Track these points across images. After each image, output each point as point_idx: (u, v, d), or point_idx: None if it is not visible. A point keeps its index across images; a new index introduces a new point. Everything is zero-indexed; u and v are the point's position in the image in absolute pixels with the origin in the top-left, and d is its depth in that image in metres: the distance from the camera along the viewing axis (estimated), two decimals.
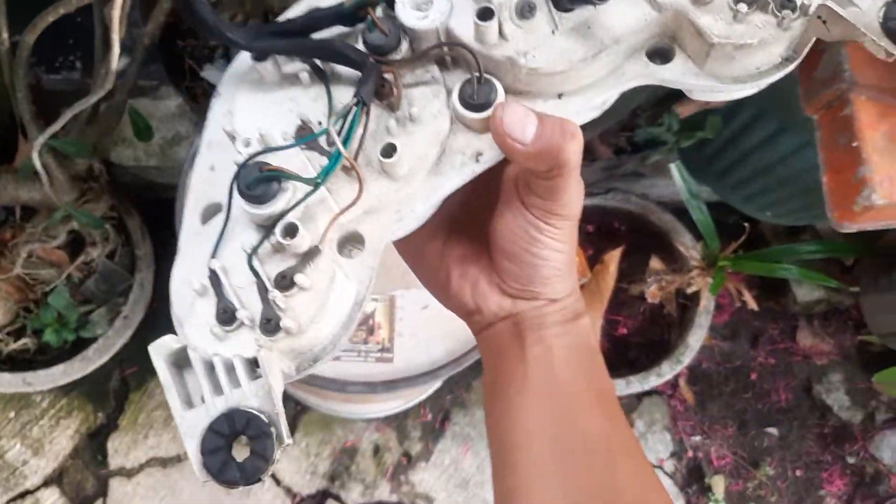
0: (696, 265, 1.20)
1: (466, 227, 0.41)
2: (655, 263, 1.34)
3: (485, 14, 0.32)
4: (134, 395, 1.37)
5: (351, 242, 0.34)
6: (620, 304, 1.39)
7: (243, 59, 0.36)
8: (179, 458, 1.34)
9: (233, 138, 0.33)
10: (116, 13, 0.78)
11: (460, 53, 0.33)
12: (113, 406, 1.36)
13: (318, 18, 0.35)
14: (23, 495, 1.29)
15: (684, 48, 0.35)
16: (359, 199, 0.32)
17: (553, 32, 0.33)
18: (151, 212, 1.22)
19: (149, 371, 1.36)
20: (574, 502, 0.34)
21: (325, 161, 0.33)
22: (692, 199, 1.13)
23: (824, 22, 0.33)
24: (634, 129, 1.17)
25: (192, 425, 0.30)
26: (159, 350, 0.31)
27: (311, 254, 0.32)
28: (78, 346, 1.17)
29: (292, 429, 1.39)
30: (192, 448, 0.30)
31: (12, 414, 1.33)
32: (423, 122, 0.33)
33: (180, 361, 0.32)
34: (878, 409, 1.55)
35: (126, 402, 1.36)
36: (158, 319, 1.35)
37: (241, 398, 0.30)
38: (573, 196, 0.34)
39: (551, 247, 0.36)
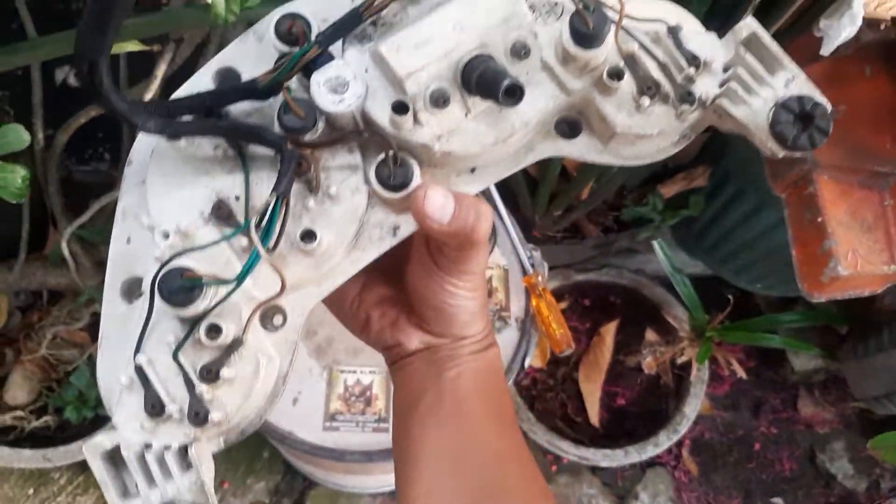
0: (686, 336, 1.24)
1: (381, 273, 0.42)
2: (650, 335, 1.39)
3: (399, 108, 0.32)
4: None
5: (272, 314, 0.35)
6: (618, 376, 1.43)
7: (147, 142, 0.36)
8: None
9: (151, 229, 0.33)
10: None
11: (376, 138, 0.34)
12: None
13: (228, 93, 0.34)
14: None
15: (590, 125, 0.36)
16: (281, 294, 0.32)
17: (466, 116, 0.33)
18: None
19: None
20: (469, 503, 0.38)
21: (244, 243, 0.33)
22: (675, 273, 1.19)
23: (719, 116, 0.36)
24: (621, 209, 1.23)
25: None
26: (94, 450, 0.32)
27: (234, 345, 0.33)
28: (96, 424, 1.22)
29: (300, 503, 1.41)
30: None
31: (31, 491, 1.36)
32: (342, 200, 0.34)
33: (116, 457, 0.33)
34: (882, 476, 1.55)
35: None
36: None
37: (174, 491, 0.32)
38: (481, 259, 0.38)
39: (465, 297, 0.39)
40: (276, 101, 0.33)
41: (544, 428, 1.30)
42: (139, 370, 0.32)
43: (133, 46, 0.75)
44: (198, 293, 0.32)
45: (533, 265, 0.96)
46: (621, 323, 1.42)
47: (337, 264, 0.35)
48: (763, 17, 0.76)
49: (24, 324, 1.23)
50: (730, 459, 1.56)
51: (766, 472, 1.56)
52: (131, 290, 0.35)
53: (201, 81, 0.36)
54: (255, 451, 1.43)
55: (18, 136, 0.93)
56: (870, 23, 0.75)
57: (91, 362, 1.21)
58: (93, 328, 1.23)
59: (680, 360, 1.28)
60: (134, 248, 0.35)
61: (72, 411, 1.19)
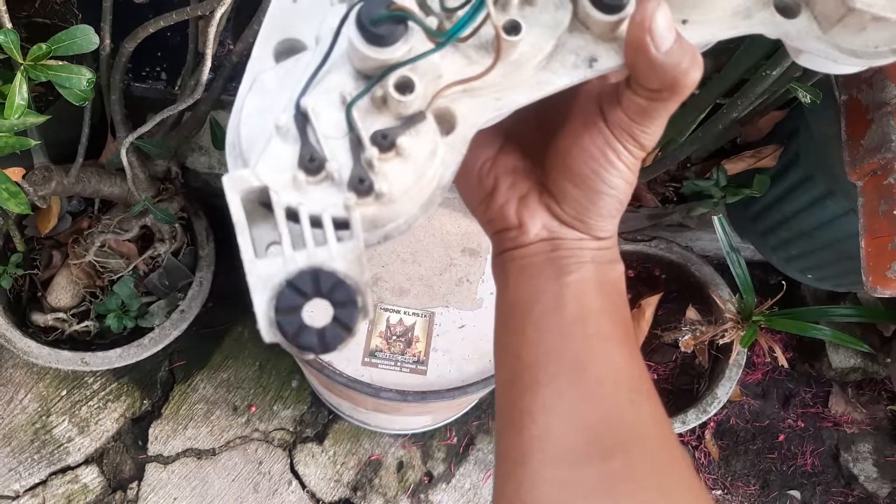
0: (731, 318, 1.22)
1: (524, 139, 0.38)
2: (692, 313, 1.37)
3: None
4: (179, 386, 1.43)
5: (441, 121, 0.30)
6: (653, 351, 1.41)
7: None
8: (214, 452, 1.40)
9: None
10: (213, 29, 0.86)
11: None
12: (159, 395, 1.43)
13: None
14: (63, 470, 1.36)
15: (812, 8, 0.32)
16: (491, 68, 0.29)
17: None
18: (218, 217, 1.30)
19: (195, 365, 1.44)
20: (594, 435, 0.33)
21: (431, 24, 0.29)
22: (732, 252, 1.16)
23: None
24: (682, 181, 1.20)
25: (264, 276, 0.26)
26: (235, 184, 0.27)
27: (414, 119, 0.28)
28: (134, 334, 1.24)
29: (322, 436, 1.44)
30: (263, 302, 0.26)
31: (64, 392, 1.40)
32: (544, 9, 0.30)
33: (252, 205, 0.28)
34: None
35: (171, 393, 1.43)
36: (211, 319, 1.43)
37: (325, 258, 0.26)
38: (660, 127, 0.33)
39: (622, 175, 0.33)
40: None
41: None
42: (300, 115, 0.27)
43: None
44: (401, 32, 0.27)
45: None
46: (663, 298, 1.40)
47: (522, 80, 0.30)
48: None
49: (73, 229, 1.25)
50: (752, 447, 1.55)
51: (786, 465, 1.54)
52: (286, 52, 0.30)
53: None
54: (285, 378, 1.45)
55: (88, 37, 0.93)
56: None
57: (135, 273, 1.22)
58: (140, 241, 1.24)
59: (721, 342, 1.26)
60: (299, 8, 0.30)
61: (113, 319, 1.21)
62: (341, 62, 0.28)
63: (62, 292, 1.22)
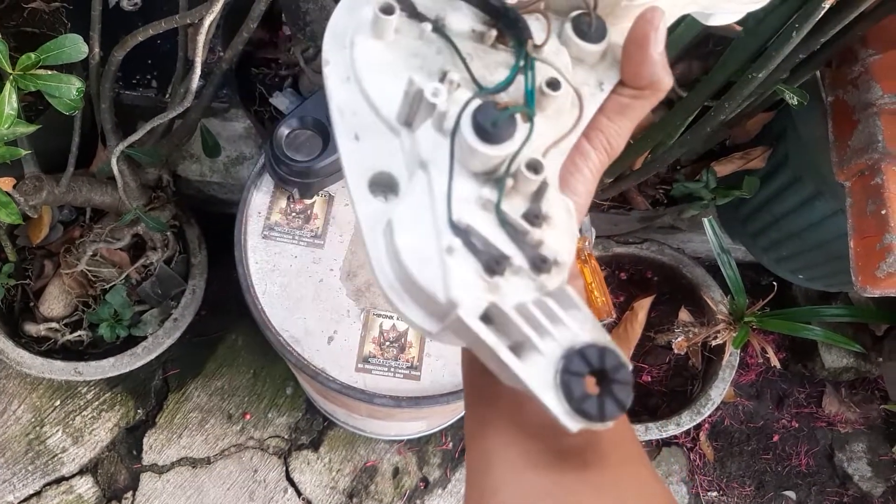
0: (723, 319, 1.22)
1: None
2: (685, 315, 1.37)
3: None
4: (173, 395, 1.43)
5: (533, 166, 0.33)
6: (646, 353, 1.42)
7: (341, 22, 0.34)
8: (209, 461, 1.40)
9: (419, 91, 0.31)
10: (202, 38, 0.86)
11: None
12: (153, 404, 1.42)
13: None
14: (58, 481, 1.36)
15: None
16: (579, 122, 0.32)
17: None
18: (210, 224, 1.30)
19: (189, 374, 1.44)
20: (552, 440, 0.34)
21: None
22: (723, 253, 1.16)
23: None
24: (672, 183, 1.21)
25: (540, 376, 0.28)
26: (472, 312, 0.29)
27: (542, 187, 0.31)
28: (128, 343, 1.24)
29: (318, 443, 1.44)
30: (551, 397, 0.28)
31: (58, 402, 1.40)
32: (550, 57, 0.34)
33: (484, 320, 0.30)
34: None
35: (165, 402, 1.43)
36: (205, 327, 1.42)
37: (572, 335, 0.29)
38: (630, 129, 0.35)
39: (586, 181, 0.35)
40: None
41: None
42: (462, 232, 0.30)
43: None
44: (513, 123, 0.30)
45: (581, 229, 0.94)
46: (656, 300, 1.40)
47: (565, 124, 0.33)
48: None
49: (65, 238, 1.24)
50: (747, 448, 1.55)
51: (781, 465, 1.55)
52: (376, 185, 0.32)
53: None
54: (279, 386, 1.45)
55: (77, 46, 0.93)
56: None
57: (127, 282, 1.22)
58: (133, 250, 1.24)
59: (713, 344, 1.27)
60: (366, 145, 0.33)
61: (106, 328, 1.21)
62: (457, 173, 0.31)
63: (54, 302, 1.22)
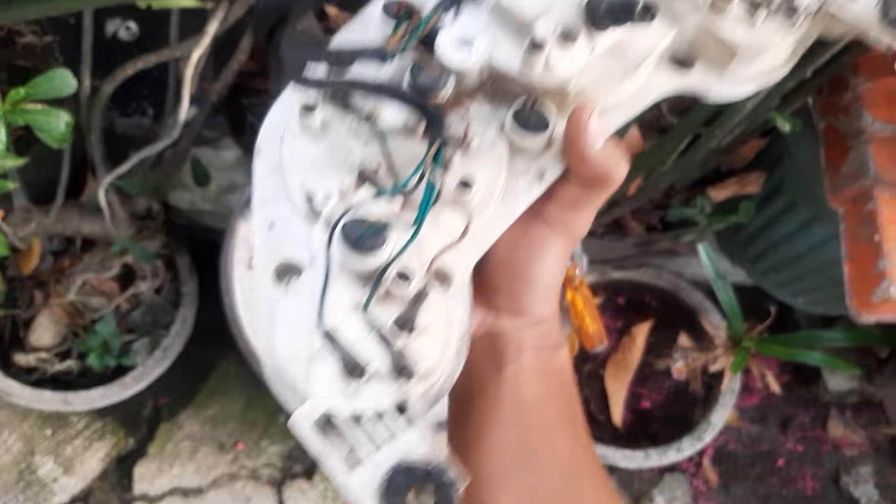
0: (721, 344, 1.21)
1: None
2: (684, 340, 1.35)
3: (535, 46, 0.33)
4: (164, 424, 1.42)
5: (440, 280, 0.34)
6: (645, 378, 1.40)
7: (278, 115, 0.36)
8: (201, 490, 1.38)
9: (309, 199, 0.33)
10: (189, 71, 0.86)
11: (507, 86, 0.34)
12: (144, 433, 1.41)
13: (352, 55, 0.35)
14: None
15: (704, 54, 0.36)
16: (462, 238, 0.33)
17: (592, 52, 0.34)
18: (201, 253, 1.29)
19: (180, 403, 1.42)
20: None
21: (395, 209, 0.33)
22: (718, 279, 1.15)
23: (829, 21, 0.36)
24: (667, 209, 1.20)
25: (362, 487, 0.29)
26: (304, 420, 0.30)
27: (420, 296, 0.32)
28: (118, 373, 1.23)
29: (311, 471, 1.42)
30: None
31: (49, 432, 1.39)
32: (484, 152, 0.34)
33: (324, 428, 0.31)
34: None
35: (156, 431, 1.41)
36: (196, 355, 1.41)
37: (403, 449, 0.29)
38: (590, 217, 0.36)
39: (550, 265, 0.36)
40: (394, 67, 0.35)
41: None
42: (327, 335, 0.31)
43: (188, 2, 0.74)
44: (382, 239, 0.31)
45: (572, 257, 0.93)
46: (654, 325, 1.39)
47: (490, 218, 0.34)
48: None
49: (55, 268, 1.24)
50: (752, 473, 1.53)
51: (787, 489, 1.52)
52: (283, 273, 0.34)
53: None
54: (272, 414, 1.43)
55: (66, 81, 0.92)
56: None
57: (117, 311, 1.21)
58: (122, 279, 1.23)
59: (712, 369, 1.25)
60: (278, 234, 0.34)
61: (95, 358, 1.20)
62: (339, 273, 0.32)
63: (44, 332, 1.22)
